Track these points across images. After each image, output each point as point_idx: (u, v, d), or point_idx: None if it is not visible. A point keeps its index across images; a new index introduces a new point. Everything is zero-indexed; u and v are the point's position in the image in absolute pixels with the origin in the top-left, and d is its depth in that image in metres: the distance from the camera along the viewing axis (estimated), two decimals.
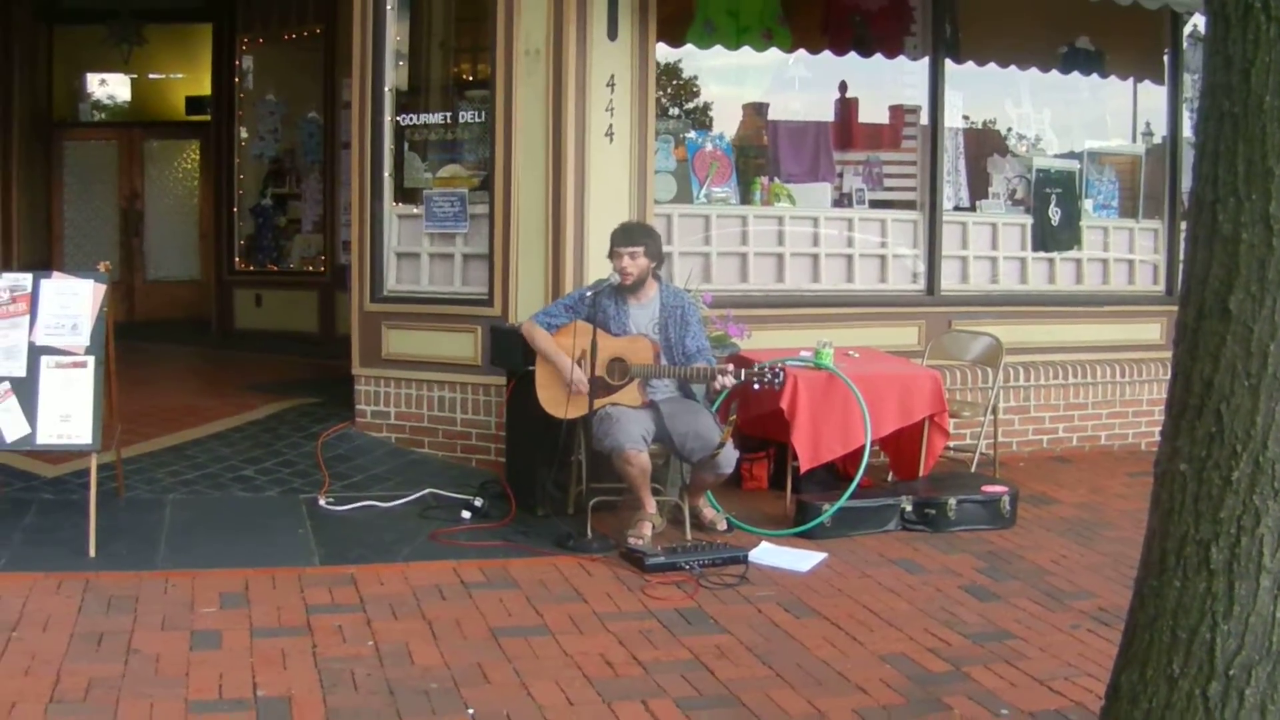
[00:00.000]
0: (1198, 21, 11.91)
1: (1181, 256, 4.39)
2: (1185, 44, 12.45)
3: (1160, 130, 12.87)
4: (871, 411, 8.98)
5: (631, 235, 8.64)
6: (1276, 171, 3.82)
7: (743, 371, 8.33)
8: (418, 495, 9.30)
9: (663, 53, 10.66)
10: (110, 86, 19.18)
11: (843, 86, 12.19)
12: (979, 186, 12.19)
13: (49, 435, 7.92)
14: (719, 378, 8.24)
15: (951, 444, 10.14)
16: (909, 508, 8.95)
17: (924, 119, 11.68)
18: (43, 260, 16.58)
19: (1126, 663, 4.30)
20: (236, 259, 16.77)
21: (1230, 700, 3.94)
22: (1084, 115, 13.40)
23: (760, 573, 7.83)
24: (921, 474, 9.51)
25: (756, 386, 8.39)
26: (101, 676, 5.90)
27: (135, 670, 6.02)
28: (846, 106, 12.26)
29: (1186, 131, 12.38)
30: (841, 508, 8.69)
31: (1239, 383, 3.91)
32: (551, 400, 8.53)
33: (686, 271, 10.26)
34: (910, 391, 9.34)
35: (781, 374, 8.44)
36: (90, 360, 8.03)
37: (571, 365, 8.40)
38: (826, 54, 11.79)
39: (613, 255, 8.61)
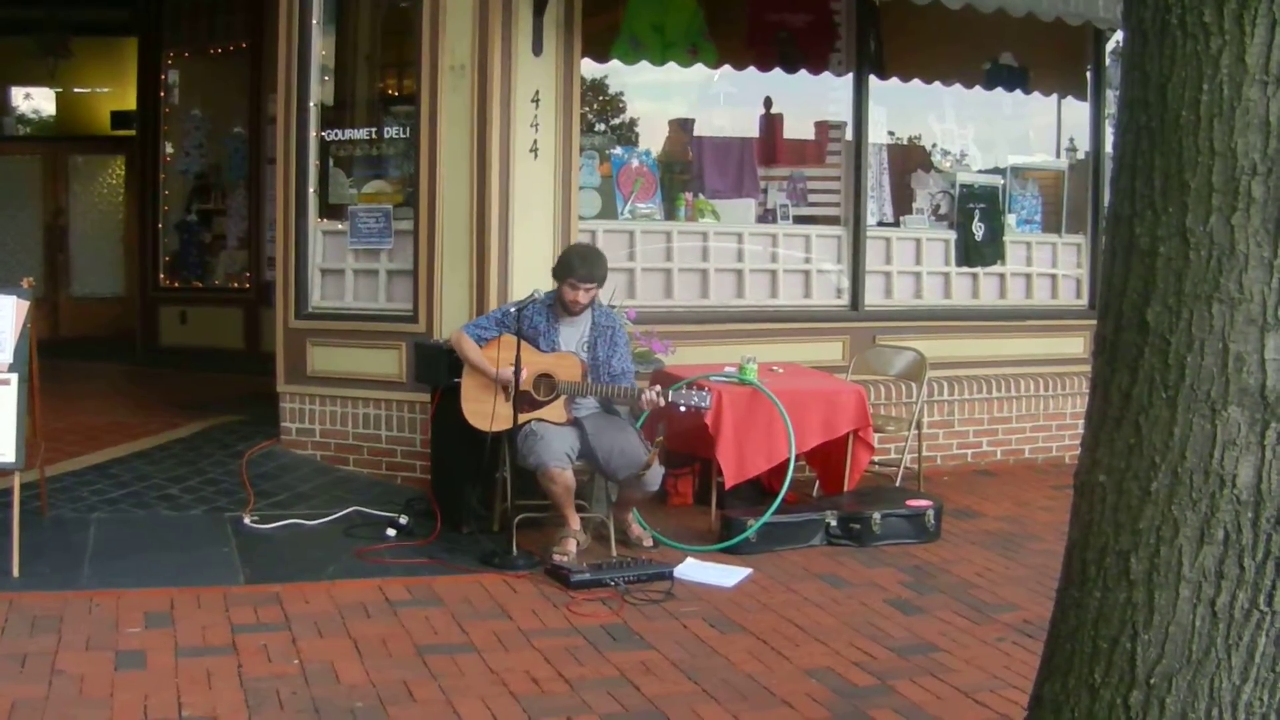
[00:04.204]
0: (1120, 38, 12.00)
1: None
2: (1108, 60, 12.54)
3: (1084, 145, 12.98)
4: (796, 427, 9.00)
5: (594, 272, 8.57)
6: (1192, 185, 3.85)
7: (669, 393, 8.33)
8: (343, 513, 9.25)
9: (588, 68, 10.68)
10: (35, 100, 19.06)
11: (768, 102, 12.25)
12: (903, 202, 12.26)
13: None
14: (645, 397, 8.23)
15: (876, 459, 10.15)
16: (834, 522, 8.98)
17: (848, 135, 11.73)
18: None
19: (1049, 673, 4.32)
20: (161, 275, 16.60)
21: (1151, 709, 3.97)
22: (1008, 131, 13.50)
23: (686, 588, 7.84)
24: (846, 489, 9.53)
25: (682, 408, 8.36)
26: (25, 698, 5.85)
27: (59, 691, 5.97)
28: (771, 122, 12.32)
29: (1109, 147, 12.38)
30: (766, 523, 8.71)
31: (1157, 394, 3.93)
32: (477, 413, 8.50)
33: (611, 287, 10.22)
34: (834, 407, 9.36)
35: (708, 398, 8.43)
36: (13, 377, 7.93)
37: (497, 369, 8.37)
38: (751, 70, 11.85)
39: (566, 283, 8.51)
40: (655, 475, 8.47)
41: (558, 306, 8.61)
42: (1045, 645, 4.41)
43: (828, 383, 9.85)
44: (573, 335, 8.64)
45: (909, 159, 12.68)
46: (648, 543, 8.79)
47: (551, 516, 8.66)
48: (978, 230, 12.04)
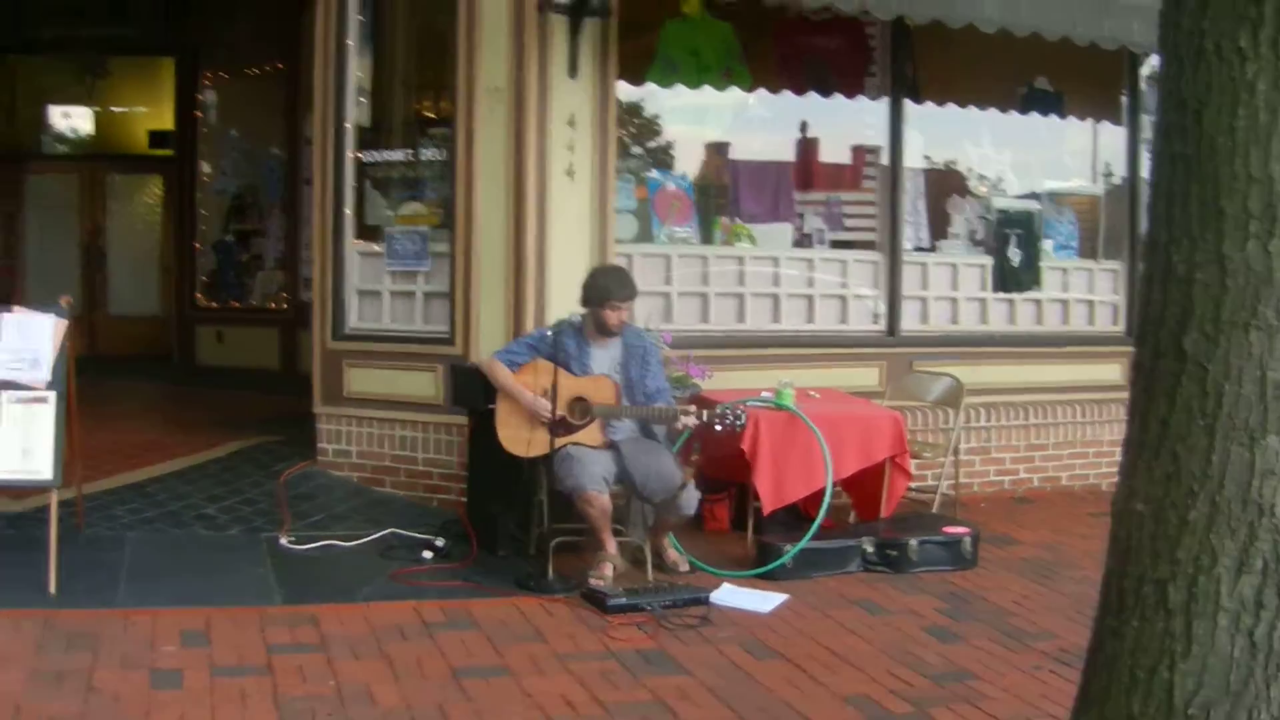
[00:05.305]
0: (1155, 62, 11.96)
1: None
2: (1143, 85, 12.50)
3: (1120, 171, 12.91)
4: (833, 452, 8.98)
5: (632, 290, 8.66)
6: (1229, 212, 3.84)
7: (704, 413, 8.33)
8: (379, 535, 9.26)
9: (624, 91, 10.68)
10: (73, 119, 19.11)
11: (803, 126, 12.23)
12: (939, 227, 12.22)
13: (9, 470, 7.90)
14: (681, 419, 8.23)
15: (913, 485, 10.12)
16: (870, 549, 8.95)
17: (884, 159, 11.68)
18: (3, 294, 16.46)
19: (1086, 702, 4.30)
20: (198, 295, 16.74)
21: None
22: (1044, 156, 13.46)
23: (722, 614, 7.82)
24: (883, 515, 9.49)
25: (718, 428, 8.36)
26: (61, 716, 5.87)
27: (95, 710, 5.99)
28: (807, 146, 12.29)
29: (1145, 172, 12.32)
30: (803, 549, 8.68)
31: (1195, 423, 3.92)
32: (512, 439, 8.51)
33: (647, 311, 10.22)
34: (871, 432, 9.35)
35: (743, 415, 8.43)
36: (51, 395, 7.99)
37: (534, 396, 8.38)
38: (787, 93, 11.82)
39: (608, 306, 8.51)
40: (690, 499, 8.46)
41: (589, 329, 8.61)
42: (1082, 674, 4.39)
43: (865, 408, 9.84)
44: (604, 358, 8.64)
45: (945, 184, 12.64)
46: (684, 567, 8.77)
47: (588, 540, 8.64)
48: (1014, 256, 12.00)
